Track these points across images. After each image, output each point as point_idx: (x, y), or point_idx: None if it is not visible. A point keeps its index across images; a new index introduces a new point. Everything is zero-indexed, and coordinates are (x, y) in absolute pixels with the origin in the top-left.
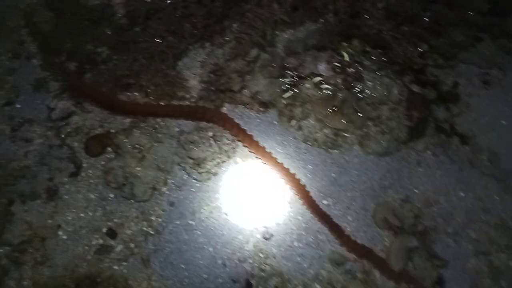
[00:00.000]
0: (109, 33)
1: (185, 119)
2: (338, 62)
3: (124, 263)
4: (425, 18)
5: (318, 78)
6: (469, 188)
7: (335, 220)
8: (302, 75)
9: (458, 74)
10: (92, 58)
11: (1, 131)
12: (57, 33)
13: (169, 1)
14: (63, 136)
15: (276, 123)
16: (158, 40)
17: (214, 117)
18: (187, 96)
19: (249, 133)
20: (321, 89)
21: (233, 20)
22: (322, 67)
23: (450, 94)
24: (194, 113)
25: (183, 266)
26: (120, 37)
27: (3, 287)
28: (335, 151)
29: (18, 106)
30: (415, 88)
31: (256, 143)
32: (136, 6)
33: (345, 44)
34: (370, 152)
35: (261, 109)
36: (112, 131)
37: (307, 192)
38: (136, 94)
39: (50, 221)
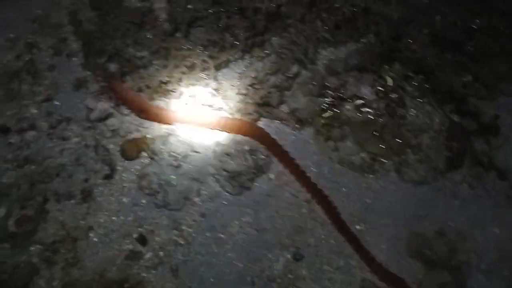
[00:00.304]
0: (150, 37)
1: (221, 131)
2: (381, 86)
3: (153, 271)
4: (469, 47)
5: (360, 101)
6: (504, 225)
7: (366, 246)
8: (343, 96)
9: (499, 106)
10: (133, 62)
11: (39, 127)
12: (100, 33)
13: (211, 11)
14: (99, 137)
15: (311, 141)
16: (200, 49)
17: (251, 131)
18: (225, 107)
19: (284, 149)
20: (362, 112)
21: (275, 34)
22: (365, 90)
23: (490, 126)
24: (230, 126)
25: (212, 280)
26: (162, 42)
27: (33, 286)
28: (371, 175)
29: (57, 103)
30: (456, 118)
31: (291, 160)
32: (179, 13)
33: (386, 67)
34: (407, 180)
35: (298, 126)
36: (149, 136)
37: (339, 215)
38: (175, 101)
39: (82, 222)
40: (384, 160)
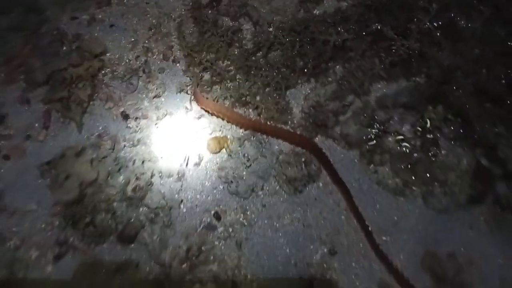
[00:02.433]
0: (237, 53)
1: (284, 141)
2: (420, 127)
3: (223, 242)
4: (508, 101)
5: (401, 137)
6: (509, 260)
7: (388, 255)
8: (387, 130)
9: None
10: (222, 74)
11: (149, 117)
12: (199, 46)
13: (288, 38)
14: (192, 131)
15: (356, 161)
16: (275, 71)
17: (308, 145)
18: (289, 122)
19: (332, 164)
20: (400, 146)
21: (338, 64)
22: (406, 128)
23: None
24: (292, 138)
25: (265, 256)
26: (246, 61)
27: (139, 236)
28: (401, 198)
29: (163, 100)
30: (484, 162)
31: (337, 174)
32: (262, 37)
33: (430, 107)
34: (431, 207)
35: (347, 146)
36: (229, 137)
37: (368, 226)
38: (250, 111)
39: (176, 195)
40: (414, 188)
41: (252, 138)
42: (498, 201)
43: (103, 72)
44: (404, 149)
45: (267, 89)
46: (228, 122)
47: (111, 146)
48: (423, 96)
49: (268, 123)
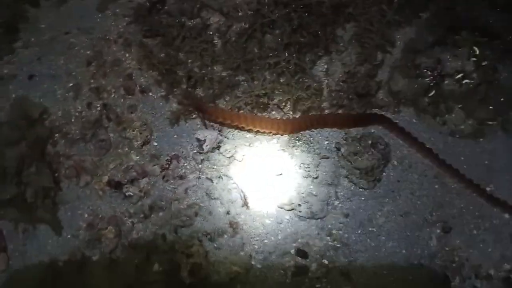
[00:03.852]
0: (226, 50)
1: (334, 128)
2: (472, 57)
3: (324, 280)
4: None
5: (460, 75)
6: None
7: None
8: (441, 73)
9: None
10: (223, 82)
11: (150, 172)
12: (173, 57)
13: (277, 15)
14: (218, 167)
15: (415, 121)
16: (283, 53)
17: (367, 119)
18: (325, 105)
19: (408, 131)
20: (462, 84)
21: (346, 24)
22: (458, 64)
23: None
24: (345, 119)
25: (384, 272)
26: (242, 55)
27: None
28: (481, 139)
29: (156, 144)
30: None
31: (413, 137)
32: (242, 23)
33: (457, 37)
34: None
35: (396, 109)
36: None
37: (469, 180)
38: (275, 112)
39: (242, 253)
40: (490, 122)
41: (297, 143)
42: None
43: (53, 140)
44: (467, 86)
45: (284, 78)
46: (257, 131)
47: (115, 233)
48: (445, 27)
49: (310, 114)
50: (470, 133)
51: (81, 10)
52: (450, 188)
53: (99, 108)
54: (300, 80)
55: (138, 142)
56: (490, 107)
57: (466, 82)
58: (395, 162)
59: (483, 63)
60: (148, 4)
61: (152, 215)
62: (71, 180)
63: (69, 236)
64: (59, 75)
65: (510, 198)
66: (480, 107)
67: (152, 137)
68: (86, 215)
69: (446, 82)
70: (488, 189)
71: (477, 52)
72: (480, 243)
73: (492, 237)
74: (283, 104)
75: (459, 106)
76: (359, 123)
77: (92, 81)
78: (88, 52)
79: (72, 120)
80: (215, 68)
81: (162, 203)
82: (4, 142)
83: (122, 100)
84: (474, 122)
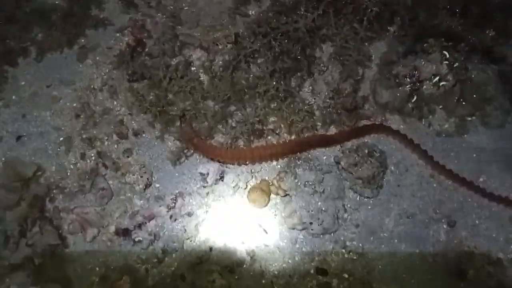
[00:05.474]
0: (214, 85)
1: (329, 146)
2: (446, 60)
3: None
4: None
5: (437, 78)
6: None
7: (494, 191)
8: (419, 78)
9: None
10: (215, 115)
11: (156, 213)
12: (162, 98)
13: (259, 44)
14: (223, 197)
15: (402, 126)
16: (271, 80)
17: (362, 130)
18: (319, 124)
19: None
20: (439, 86)
21: (323, 45)
22: (433, 68)
23: None
24: (339, 136)
25: (404, 275)
26: (231, 87)
27: None
28: (465, 136)
29: (158, 185)
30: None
31: (409, 140)
32: (226, 56)
33: (425, 45)
34: (493, 127)
35: (383, 118)
36: (267, 178)
37: (461, 178)
38: (270, 137)
39: (264, 281)
40: (470, 118)
41: (297, 162)
42: None
43: (50, 197)
44: (444, 87)
45: (274, 104)
46: (255, 161)
47: (130, 283)
48: (413, 36)
49: (304, 135)
50: (454, 131)
51: (61, 63)
52: (447, 185)
53: (93, 158)
54: (291, 103)
55: (140, 186)
56: (467, 104)
57: (442, 84)
58: (392, 168)
59: (455, 65)
60: (128, 48)
61: (166, 258)
62: (77, 235)
63: None
64: (47, 131)
65: (502, 186)
66: (458, 105)
67: (153, 178)
68: (97, 269)
69: (425, 86)
70: (480, 179)
71: (447, 55)
72: (484, 231)
73: (494, 224)
74: (278, 129)
75: (440, 107)
76: (354, 136)
77: (82, 132)
78: (75, 104)
79: (68, 173)
80: (206, 103)
81: (174, 244)
82: (3, 207)
83: (116, 146)
84: (456, 120)
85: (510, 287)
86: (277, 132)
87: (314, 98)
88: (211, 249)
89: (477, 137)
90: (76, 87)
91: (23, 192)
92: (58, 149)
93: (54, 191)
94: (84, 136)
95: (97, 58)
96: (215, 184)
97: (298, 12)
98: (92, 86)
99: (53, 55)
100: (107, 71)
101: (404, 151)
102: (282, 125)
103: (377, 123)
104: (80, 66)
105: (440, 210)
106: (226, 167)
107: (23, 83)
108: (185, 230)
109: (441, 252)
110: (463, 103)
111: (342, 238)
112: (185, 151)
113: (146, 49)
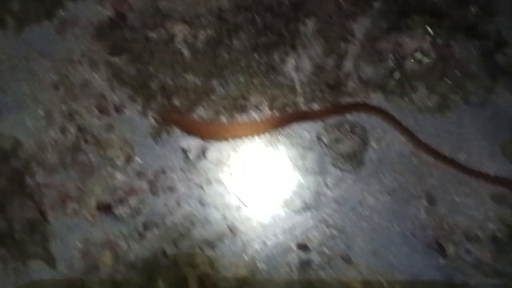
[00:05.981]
0: (196, 59)
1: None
2: (429, 36)
3: (328, 266)
4: None
5: (419, 54)
6: None
7: (475, 167)
8: (401, 54)
9: None
10: (196, 90)
11: (140, 189)
12: (143, 71)
13: (242, 18)
14: (207, 173)
15: (385, 104)
16: (255, 55)
17: (366, 108)
18: (301, 100)
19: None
20: (422, 62)
21: (307, 20)
22: (415, 44)
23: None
24: (347, 108)
25: (382, 248)
26: (213, 61)
27: None
28: (448, 112)
29: (137, 158)
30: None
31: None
32: (208, 30)
33: (409, 21)
34: (474, 105)
35: (366, 95)
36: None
37: (442, 154)
38: (254, 113)
39: (246, 257)
40: (452, 95)
41: (279, 138)
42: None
43: (30, 171)
44: (426, 64)
45: (257, 79)
46: (236, 137)
47: (112, 257)
48: (396, 12)
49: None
50: (436, 108)
51: (40, 36)
52: (428, 162)
53: (73, 132)
54: (273, 78)
55: (121, 161)
56: (449, 81)
57: (425, 61)
58: (374, 144)
59: (438, 41)
60: (109, 21)
61: (147, 233)
62: (58, 211)
63: (64, 268)
64: (26, 104)
65: (481, 164)
66: (440, 82)
67: (135, 153)
68: (79, 244)
69: (407, 63)
70: (460, 157)
71: (430, 31)
72: (464, 208)
73: (474, 201)
74: (261, 104)
75: (422, 84)
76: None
77: (62, 105)
78: (54, 77)
79: (49, 148)
80: (187, 77)
81: (156, 218)
82: None
83: (97, 120)
84: (438, 97)
85: (488, 264)
86: (260, 107)
87: (298, 74)
88: (192, 224)
89: (458, 114)
90: (56, 60)
91: (1, 167)
92: (37, 123)
93: (34, 165)
94: (63, 108)
95: (77, 30)
96: (197, 159)
97: None
98: (72, 59)
99: (32, 29)
100: (87, 44)
101: (386, 128)
102: (264, 101)
103: (359, 100)
104: (60, 38)
105: (420, 187)
106: (209, 143)
107: (1, 56)
108: (167, 205)
109: (421, 228)
110: (446, 80)
111: (323, 215)
112: (167, 126)
113: (127, 22)
